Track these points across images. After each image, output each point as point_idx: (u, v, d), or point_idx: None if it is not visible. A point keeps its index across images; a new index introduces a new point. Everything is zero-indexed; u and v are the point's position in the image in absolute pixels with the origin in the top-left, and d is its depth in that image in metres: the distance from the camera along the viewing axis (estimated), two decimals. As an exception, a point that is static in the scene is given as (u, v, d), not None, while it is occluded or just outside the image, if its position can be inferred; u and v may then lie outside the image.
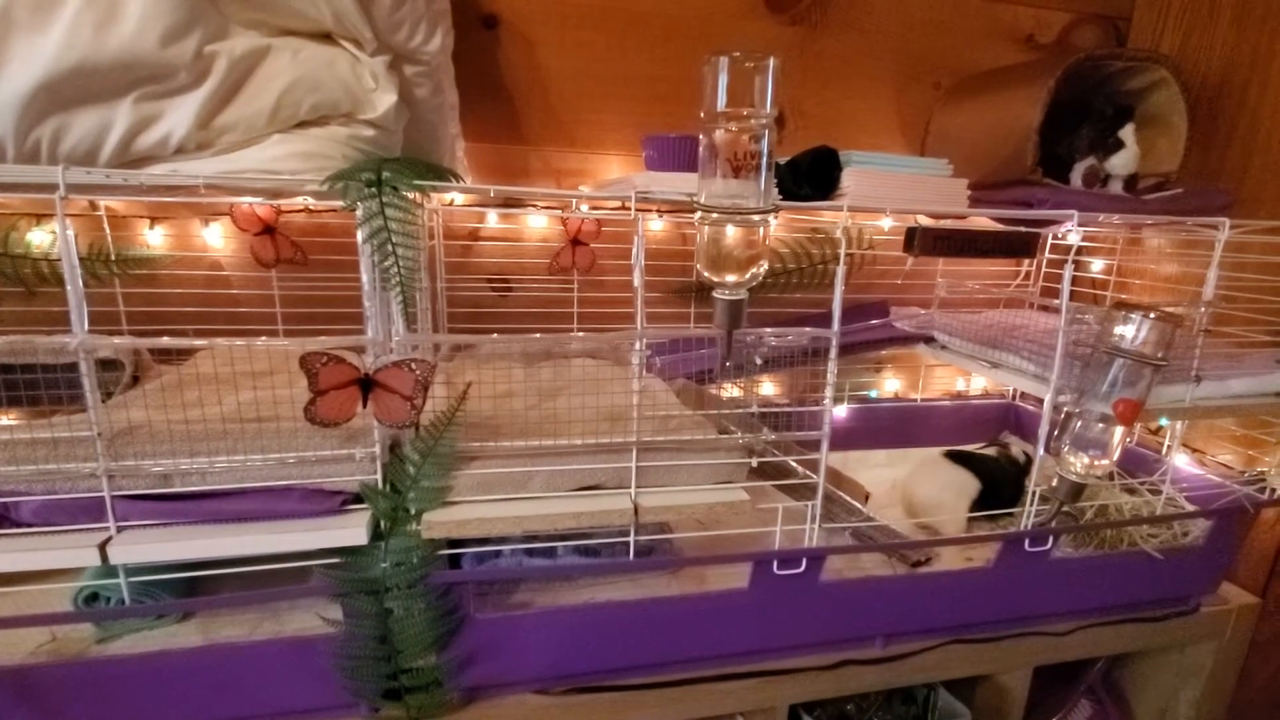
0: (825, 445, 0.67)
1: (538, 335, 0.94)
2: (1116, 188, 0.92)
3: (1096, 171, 0.91)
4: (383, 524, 0.60)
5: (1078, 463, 0.70)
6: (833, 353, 0.67)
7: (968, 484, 0.91)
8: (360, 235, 0.54)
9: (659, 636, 0.70)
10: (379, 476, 0.59)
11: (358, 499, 0.60)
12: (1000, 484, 0.94)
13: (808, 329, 0.67)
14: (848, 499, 0.91)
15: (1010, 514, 0.88)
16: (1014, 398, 1.25)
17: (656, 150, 0.78)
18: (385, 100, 0.67)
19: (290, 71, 0.61)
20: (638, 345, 0.60)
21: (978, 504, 0.91)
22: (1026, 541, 0.76)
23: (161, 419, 0.58)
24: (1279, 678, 0.96)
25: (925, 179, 0.82)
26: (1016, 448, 1.02)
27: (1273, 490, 0.83)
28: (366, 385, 0.55)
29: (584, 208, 1.01)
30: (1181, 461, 0.93)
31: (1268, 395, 0.79)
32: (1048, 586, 0.81)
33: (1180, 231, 0.83)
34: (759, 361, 0.84)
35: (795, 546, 0.69)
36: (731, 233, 0.57)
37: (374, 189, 0.54)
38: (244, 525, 0.57)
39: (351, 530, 0.57)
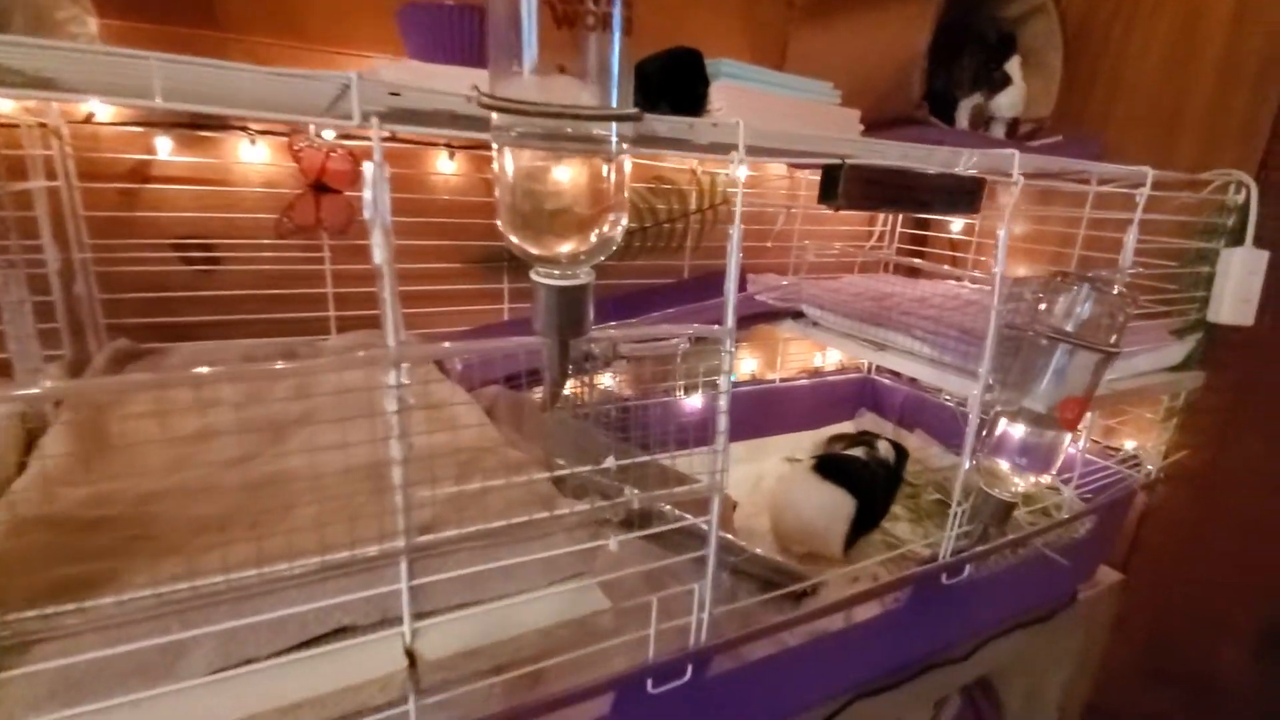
0: (718, 505, 0.44)
1: (256, 341, 0.60)
2: (999, 132, 0.80)
3: (982, 111, 0.77)
4: None
5: (1011, 478, 0.55)
6: (728, 351, 0.43)
7: (842, 505, 0.76)
8: None
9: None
10: None
11: None
12: (873, 493, 0.81)
13: (692, 328, 0.43)
14: (731, 537, 0.70)
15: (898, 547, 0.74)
16: (870, 371, 1.15)
17: (422, 27, 0.47)
18: None
19: None
20: (392, 375, 0.32)
21: (855, 518, 0.77)
22: (944, 576, 0.61)
23: None
24: (1141, 651, 0.96)
25: (810, 107, 0.61)
26: (884, 444, 0.89)
27: (1148, 472, 0.77)
28: None
29: (326, 134, 0.67)
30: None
31: (1164, 371, 0.71)
32: (954, 614, 0.68)
33: (1080, 185, 0.71)
34: (608, 363, 0.59)
35: (675, 652, 0.46)
36: (563, 166, 0.30)
37: None
38: None
39: None
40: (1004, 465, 0.55)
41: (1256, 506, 0.90)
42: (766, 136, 0.40)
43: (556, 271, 0.31)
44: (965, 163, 0.47)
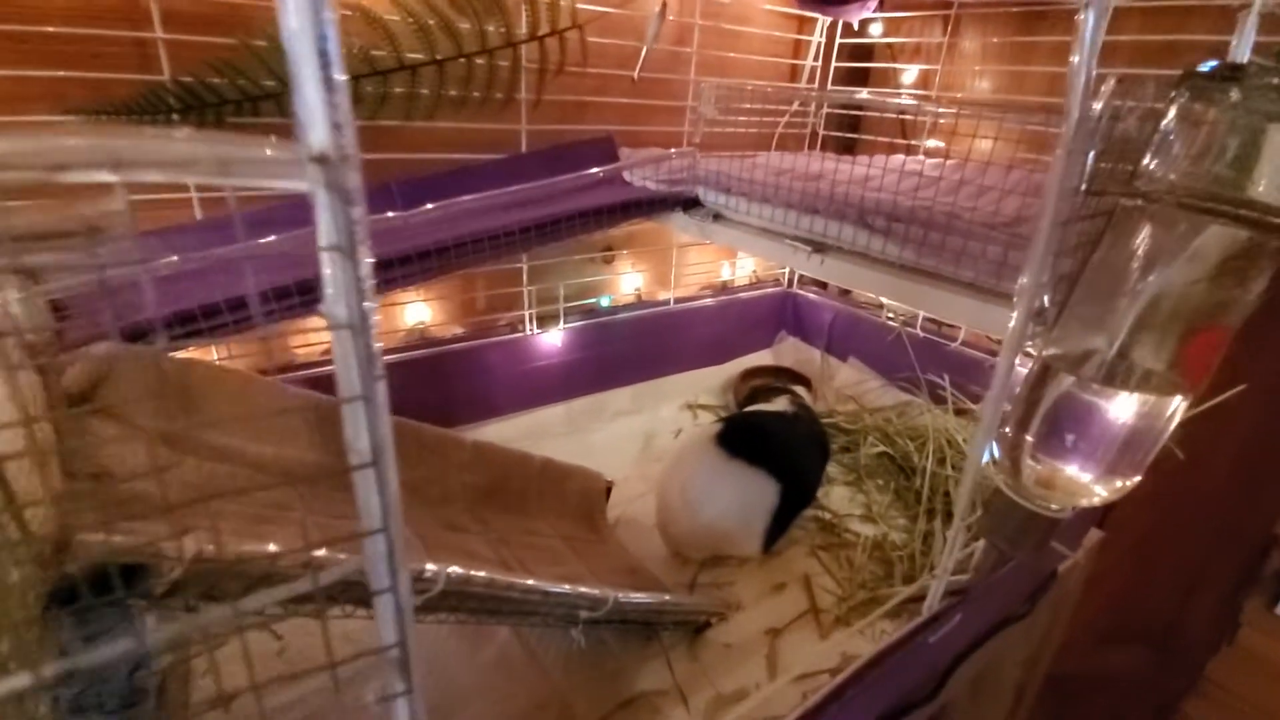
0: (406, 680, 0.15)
1: None
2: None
3: None
4: None
5: (1076, 483, 0.30)
6: (365, 323, 0.14)
7: (760, 494, 0.52)
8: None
9: None
10: None
11: None
12: (803, 465, 0.59)
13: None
14: (569, 588, 0.42)
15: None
16: (790, 283, 0.88)
17: None
18: None
19: None
20: None
21: (779, 509, 0.52)
22: (929, 635, 0.36)
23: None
24: (1106, 609, 0.80)
25: None
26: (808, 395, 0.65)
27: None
28: None
29: None
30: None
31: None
32: (930, 661, 0.45)
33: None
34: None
35: None
36: None
37: None
38: None
39: None
40: (1066, 468, 0.29)
41: (1261, 432, 0.74)
42: None
43: None
44: None
